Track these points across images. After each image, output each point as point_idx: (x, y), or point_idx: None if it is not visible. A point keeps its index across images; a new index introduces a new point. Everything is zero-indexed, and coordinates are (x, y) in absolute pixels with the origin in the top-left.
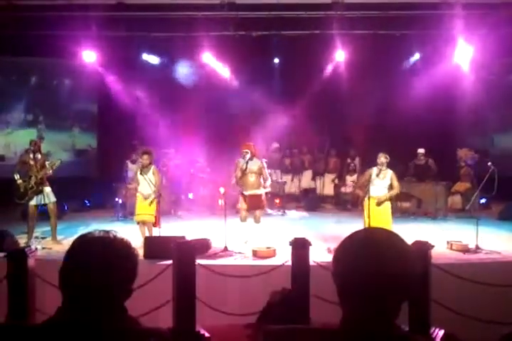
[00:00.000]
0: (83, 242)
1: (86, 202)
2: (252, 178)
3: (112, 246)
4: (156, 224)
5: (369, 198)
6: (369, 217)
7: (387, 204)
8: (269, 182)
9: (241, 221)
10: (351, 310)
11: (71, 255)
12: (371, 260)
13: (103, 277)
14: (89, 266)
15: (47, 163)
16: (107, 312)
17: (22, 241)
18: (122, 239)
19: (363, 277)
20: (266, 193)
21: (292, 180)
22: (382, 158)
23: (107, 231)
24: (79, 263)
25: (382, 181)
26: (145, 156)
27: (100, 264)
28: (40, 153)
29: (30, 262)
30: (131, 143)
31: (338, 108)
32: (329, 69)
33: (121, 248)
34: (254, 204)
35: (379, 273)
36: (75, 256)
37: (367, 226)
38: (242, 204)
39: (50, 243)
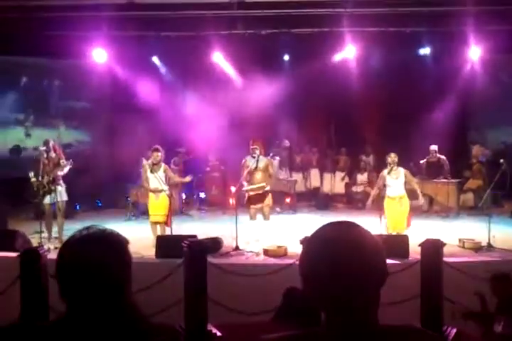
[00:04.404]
0: (68, 247)
1: (97, 201)
2: (258, 175)
3: (97, 239)
4: (167, 223)
5: (383, 198)
6: (386, 217)
7: (407, 206)
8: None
9: (250, 219)
10: (329, 309)
11: (59, 262)
12: (338, 257)
13: (95, 270)
14: (79, 264)
15: (61, 161)
16: (112, 307)
17: (35, 240)
18: (105, 230)
19: (332, 272)
20: (273, 190)
21: (303, 178)
22: (392, 158)
23: (87, 228)
24: (68, 265)
25: (396, 181)
26: (156, 153)
27: (89, 259)
28: (55, 152)
29: (43, 261)
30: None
31: (349, 106)
32: (339, 66)
33: (106, 238)
34: (257, 199)
35: (350, 268)
36: (63, 261)
37: (385, 226)
38: (247, 202)
39: (56, 242)
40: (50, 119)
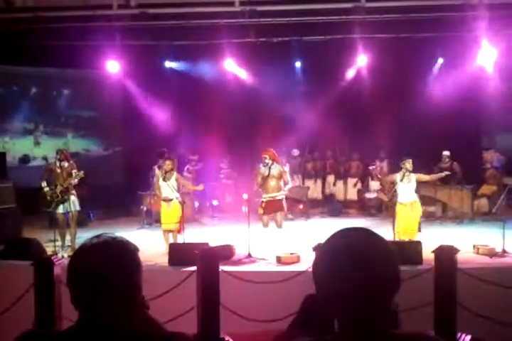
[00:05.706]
0: (77, 255)
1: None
2: (272, 182)
3: (106, 247)
4: (179, 230)
5: (396, 204)
6: (398, 223)
7: (418, 210)
8: (288, 186)
9: (263, 226)
10: (342, 316)
11: (69, 269)
12: (351, 265)
13: (104, 277)
14: (88, 272)
15: (73, 171)
16: (123, 314)
17: (49, 249)
18: (115, 238)
19: (345, 282)
20: (286, 197)
21: (315, 183)
22: (407, 164)
23: (97, 236)
24: (78, 273)
25: (408, 185)
26: (167, 162)
27: (98, 266)
28: (67, 161)
29: (57, 270)
30: (159, 150)
31: (361, 112)
32: (351, 73)
33: (116, 246)
34: (273, 206)
35: (363, 276)
36: (73, 269)
37: (395, 232)
38: (260, 210)
39: (69, 251)
40: (59, 128)
